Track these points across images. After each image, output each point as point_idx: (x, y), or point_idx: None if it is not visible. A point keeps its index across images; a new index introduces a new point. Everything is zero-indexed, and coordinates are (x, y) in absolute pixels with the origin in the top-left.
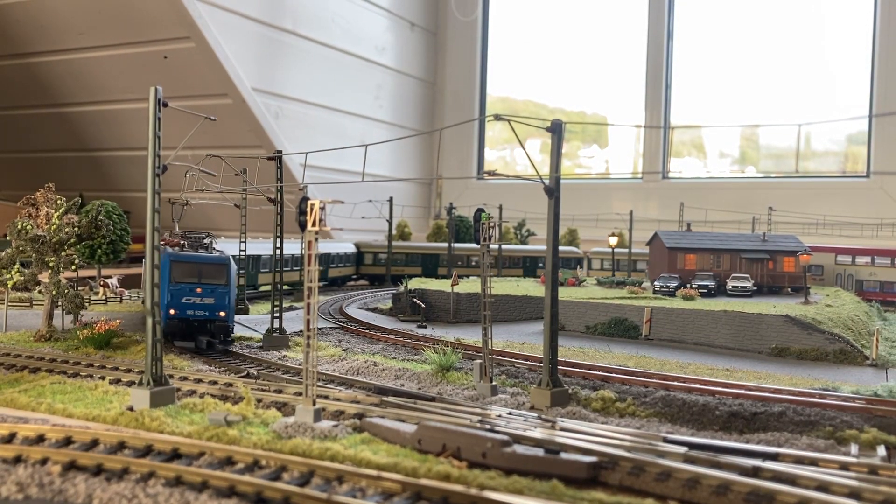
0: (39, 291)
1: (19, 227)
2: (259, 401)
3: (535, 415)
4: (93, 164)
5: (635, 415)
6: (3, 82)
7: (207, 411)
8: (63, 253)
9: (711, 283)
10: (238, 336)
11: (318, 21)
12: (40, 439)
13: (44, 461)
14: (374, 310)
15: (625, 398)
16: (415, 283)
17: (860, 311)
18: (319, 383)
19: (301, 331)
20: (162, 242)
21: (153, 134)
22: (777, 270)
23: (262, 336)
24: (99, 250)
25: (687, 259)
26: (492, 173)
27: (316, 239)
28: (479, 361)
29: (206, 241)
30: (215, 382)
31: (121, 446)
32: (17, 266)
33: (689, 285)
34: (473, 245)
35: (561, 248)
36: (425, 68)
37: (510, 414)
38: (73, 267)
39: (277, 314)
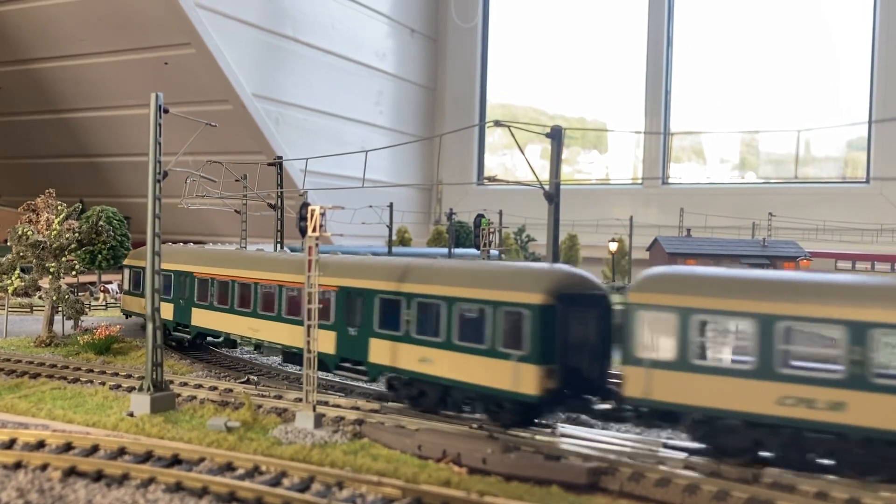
0: (40, 297)
1: (20, 232)
2: (259, 406)
3: (535, 420)
4: (93, 169)
5: None
6: (3, 88)
7: (207, 417)
8: (63, 258)
9: None
10: None
11: (319, 27)
12: (40, 445)
13: (44, 467)
14: None
15: None
16: None
17: None
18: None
19: None
20: None
21: (154, 140)
22: None
23: None
24: (99, 256)
25: (687, 264)
26: (492, 179)
27: (316, 244)
28: None
29: None
30: (215, 388)
31: (121, 452)
32: (17, 272)
33: None
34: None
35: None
36: (425, 74)
37: None
38: (74, 272)
39: None
